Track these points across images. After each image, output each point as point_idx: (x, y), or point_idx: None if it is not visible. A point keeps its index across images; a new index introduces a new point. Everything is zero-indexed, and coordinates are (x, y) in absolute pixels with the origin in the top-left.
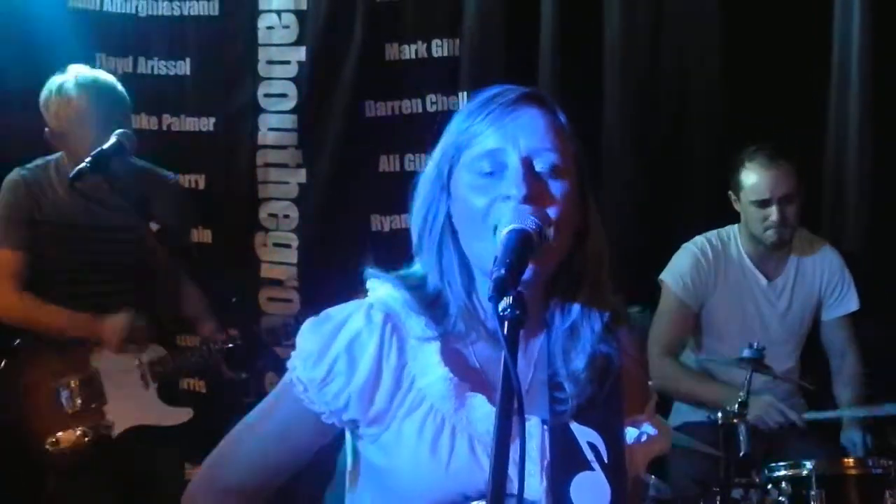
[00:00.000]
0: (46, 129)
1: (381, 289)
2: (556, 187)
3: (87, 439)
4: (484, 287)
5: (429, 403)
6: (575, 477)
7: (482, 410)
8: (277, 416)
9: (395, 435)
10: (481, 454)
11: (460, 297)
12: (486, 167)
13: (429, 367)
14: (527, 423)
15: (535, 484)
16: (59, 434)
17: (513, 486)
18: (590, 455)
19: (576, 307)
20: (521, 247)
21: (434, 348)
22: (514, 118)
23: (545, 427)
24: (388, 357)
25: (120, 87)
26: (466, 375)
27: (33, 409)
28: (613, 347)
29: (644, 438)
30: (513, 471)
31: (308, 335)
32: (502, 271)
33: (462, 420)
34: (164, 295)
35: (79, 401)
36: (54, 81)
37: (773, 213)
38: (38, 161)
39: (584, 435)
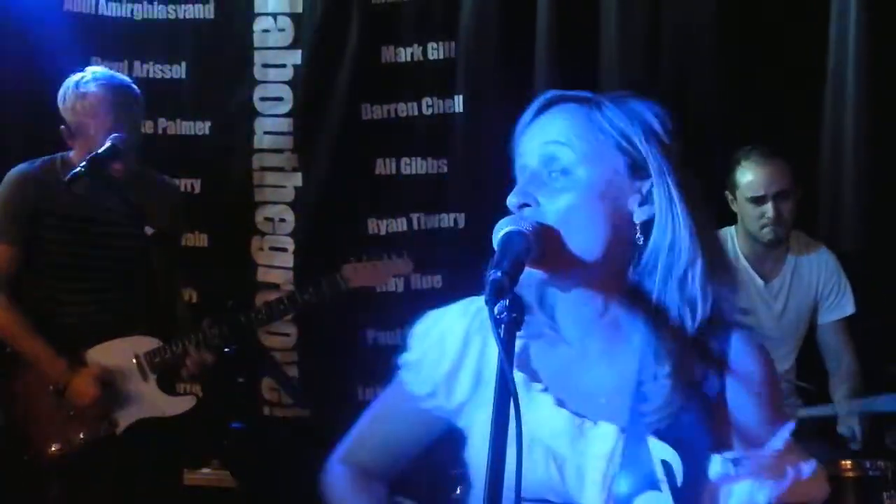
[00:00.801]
0: (62, 127)
1: None
2: (563, 186)
3: (91, 440)
4: (548, 297)
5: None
6: (639, 496)
7: (545, 411)
8: (385, 397)
9: (469, 428)
10: (539, 456)
11: (532, 308)
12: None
13: None
14: (603, 431)
15: (595, 494)
16: (63, 437)
17: (568, 491)
18: (661, 474)
19: (655, 308)
20: (515, 249)
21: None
22: (533, 125)
23: (622, 436)
24: (472, 346)
25: (135, 86)
26: (542, 375)
27: (34, 414)
28: (711, 358)
29: (733, 479)
30: (574, 476)
31: (419, 322)
32: (498, 274)
33: (528, 418)
34: (162, 291)
35: None
36: (72, 79)
37: (768, 209)
38: (45, 157)
39: (661, 451)
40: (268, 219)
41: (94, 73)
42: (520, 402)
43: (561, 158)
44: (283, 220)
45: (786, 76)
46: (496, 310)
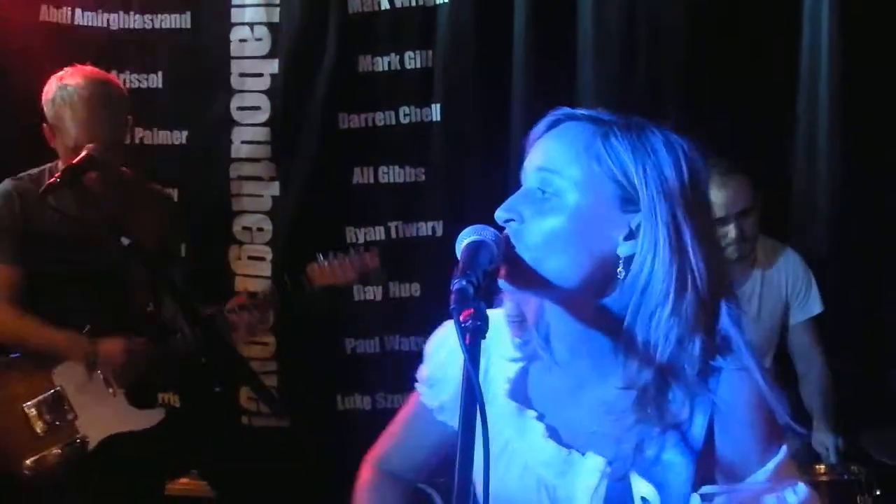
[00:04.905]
0: (45, 125)
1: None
2: (551, 208)
3: (62, 458)
4: (545, 316)
5: (497, 424)
6: None
7: (537, 440)
8: (408, 405)
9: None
10: (531, 482)
11: (528, 326)
12: None
13: (500, 387)
14: (590, 463)
15: None
16: (34, 456)
17: None
18: None
19: (625, 340)
20: (477, 259)
21: (513, 369)
22: (539, 142)
23: (607, 469)
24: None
25: (120, 84)
26: (535, 402)
27: (7, 429)
28: (697, 398)
29: None
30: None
31: (434, 335)
32: (462, 282)
33: (522, 445)
34: (136, 308)
35: (48, 419)
36: (57, 74)
37: (731, 229)
38: (32, 170)
39: (642, 488)
40: (246, 228)
41: (74, 71)
42: (511, 426)
43: (552, 182)
44: (260, 230)
45: (759, 80)
46: (461, 318)
